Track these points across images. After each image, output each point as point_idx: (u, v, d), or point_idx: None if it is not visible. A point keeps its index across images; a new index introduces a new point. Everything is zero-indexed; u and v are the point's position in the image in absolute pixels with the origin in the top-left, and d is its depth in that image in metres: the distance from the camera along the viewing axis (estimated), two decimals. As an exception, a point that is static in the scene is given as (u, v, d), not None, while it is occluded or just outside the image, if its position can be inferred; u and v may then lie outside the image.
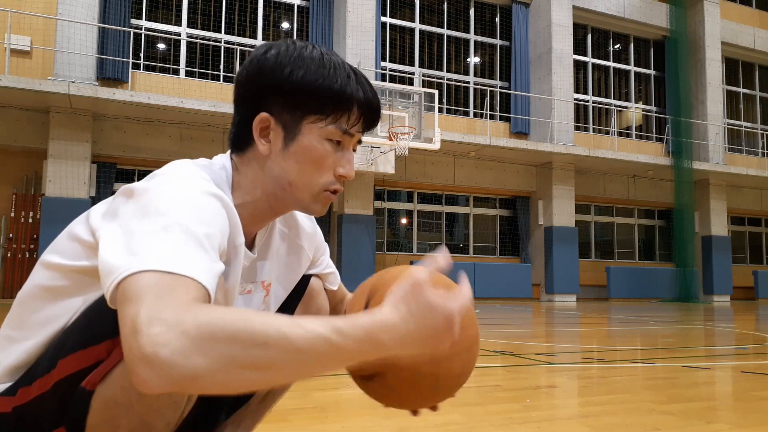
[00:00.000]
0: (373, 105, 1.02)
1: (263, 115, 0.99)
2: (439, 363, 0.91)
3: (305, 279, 1.26)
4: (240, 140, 1.03)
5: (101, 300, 0.87)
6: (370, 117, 1.03)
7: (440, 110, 13.48)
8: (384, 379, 0.94)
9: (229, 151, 1.06)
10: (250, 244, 1.08)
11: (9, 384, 0.92)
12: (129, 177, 12.23)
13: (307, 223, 1.23)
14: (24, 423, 0.88)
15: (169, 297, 0.67)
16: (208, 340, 0.62)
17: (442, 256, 0.83)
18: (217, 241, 0.82)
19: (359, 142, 1.06)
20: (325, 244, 1.32)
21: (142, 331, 0.63)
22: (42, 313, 0.93)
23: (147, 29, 12.57)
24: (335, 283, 1.34)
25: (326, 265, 1.31)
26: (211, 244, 0.80)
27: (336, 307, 1.37)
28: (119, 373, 0.82)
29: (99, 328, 0.85)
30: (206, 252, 0.78)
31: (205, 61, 13.03)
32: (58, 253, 0.94)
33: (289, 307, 1.23)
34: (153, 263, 0.72)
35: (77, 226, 0.94)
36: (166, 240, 0.76)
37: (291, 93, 0.98)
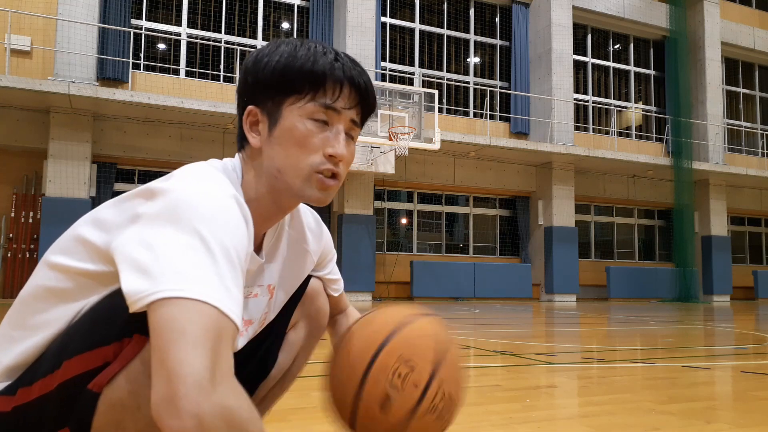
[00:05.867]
0: (354, 78, 0.99)
1: (250, 107, 1.00)
2: None
3: (306, 279, 1.25)
4: (240, 140, 1.04)
5: (108, 301, 0.86)
6: (355, 91, 1.00)
7: (440, 110, 13.48)
8: None
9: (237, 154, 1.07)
10: (257, 247, 1.07)
11: (7, 383, 0.91)
12: (129, 177, 12.23)
13: (313, 227, 1.22)
14: (25, 423, 0.87)
15: (215, 352, 0.72)
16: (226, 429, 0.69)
17: None
18: (243, 256, 0.83)
19: (355, 123, 1.02)
20: (334, 250, 1.30)
21: (189, 397, 0.68)
22: (44, 314, 0.92)
23: (147, 29, 12.57)
24: (338, 291, 1.32)
25: (331, 270, 1.30)
26: (240, 263, 0.81)
27: (335, 318, 1.36)
28: (127, 376, 0.82)
29: (106, 329, 0.84)
30: (238, 277, 0.80)
31: (205, 61, 13.03)
32: (64, 253, 0.93)
33: (289, 308, 1.23)
34: (200, 292, 0.74)
35: (84, 228, 0.92)
36: (209, 263, 0.77)
37: (268, 80, 0.98)
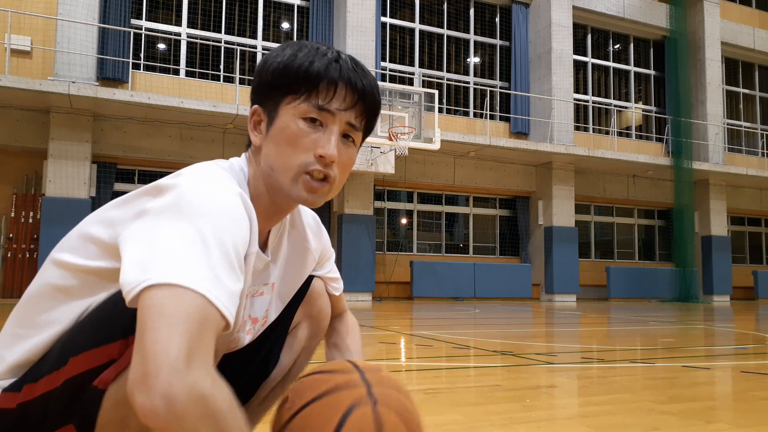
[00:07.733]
0: (352, 79, 0.98)
1: (254, 107, 1.03)
2: None
3: (308, 279, 1.26)
4: (248, 139, 1.07)
5: (114, 298, 0.87)
6: (351, 92, 0.98)
7: (440, 110, 13.48)
8: None
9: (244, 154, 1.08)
10: (263, 245, 1.08)
11: (12, 380, 0.92)
12: (129, 177, 12.23)
13: (313, 225, 1.23)
14: (29, 420, 0.88)
15: (193, 337, 0.70)
16: (200, 417, 0.67)
17: None
18: (242, 253, 0.84)
19: (353, 126, 1.00)
20: (332, 249, 1.31)
21: (160, 376, 0.67)
22: (51, 312, 0.93)
23: (147, 29, 12.57)
24: (338, 290, 1.33)
25: (330, 269, 1.31)
26: (238, 260, 0.81)
27: (333, 322, 1.35)
28: None
29: (112, 327, 0.85)
30: (234, 272, 0.80)
31: (205, 61, 13.02)
32: (71, 251, 0.94)
33: (291, 308, 1.23)
34: (186, 279, 0.73)
35: (92, 226, 0.93)
36: (203, 254, 0.77)
37: (267, 80, 1.01)
